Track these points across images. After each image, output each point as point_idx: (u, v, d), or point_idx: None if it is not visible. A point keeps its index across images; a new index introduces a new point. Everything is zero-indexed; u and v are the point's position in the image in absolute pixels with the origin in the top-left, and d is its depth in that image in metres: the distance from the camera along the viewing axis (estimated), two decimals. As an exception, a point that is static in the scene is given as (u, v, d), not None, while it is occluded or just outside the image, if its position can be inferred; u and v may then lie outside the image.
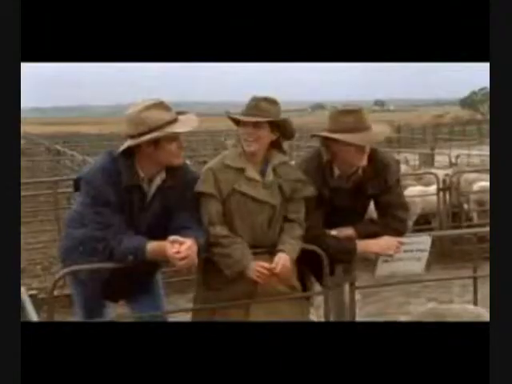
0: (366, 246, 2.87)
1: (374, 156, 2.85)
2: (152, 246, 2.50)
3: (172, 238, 2.49)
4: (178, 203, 2.64)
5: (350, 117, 2.75)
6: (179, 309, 3.07)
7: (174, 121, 2.55)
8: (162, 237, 2.54)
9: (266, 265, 2.61)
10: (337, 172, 2.85)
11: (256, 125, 2.65)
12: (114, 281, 2.64)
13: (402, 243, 2.92)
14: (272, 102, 2.69)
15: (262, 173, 2.72)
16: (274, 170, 2.72)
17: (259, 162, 2.73)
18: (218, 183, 2.67)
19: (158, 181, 2.62)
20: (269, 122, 2.65)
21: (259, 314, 2.69)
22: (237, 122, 2.73)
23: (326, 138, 2.81)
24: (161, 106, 2.56)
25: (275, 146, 2.76)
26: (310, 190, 2.74)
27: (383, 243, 2.89)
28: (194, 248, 2.50)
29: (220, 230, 2.65)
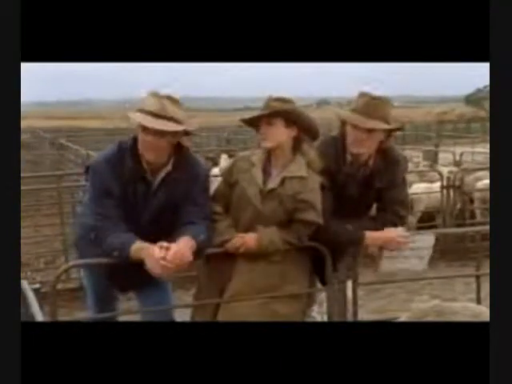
0: (374, 237, 2.87)
1: (386, 151, 2.85)
2: (137, 246, 2.49)
3: (160, 243, 2.49)
4: (184, 196, 2.64)
5: (363, 99, 2.78)
6: (185, 303, 3.06)
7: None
8: (166, 229, 2.56)
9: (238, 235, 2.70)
10: (349, 158, 2.85)
11: (268, 122, 2.67)
12: (123, 271, 2.64)
13: (405, 238, 2.90)
14: (284, 100, 2.70)
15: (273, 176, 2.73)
16: (284, 180, 2.70)
17: (280, 165, 2.74)
18: (232, 168, 2.80)
19: (163, 172, 2.63)
20: (283, 118, 2.66)
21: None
22: (255, 125, 2.76)
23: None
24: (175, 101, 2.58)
25: (297, 146, 2.74)
26: (312, 215, 2.70)
27: (388, 236, 2.88)
28: (184, 250, 2.49)
29: (215, 206, 2.77)
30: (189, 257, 2.50)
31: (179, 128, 2.53)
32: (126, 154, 2.57)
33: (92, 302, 2.94)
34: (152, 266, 2.45)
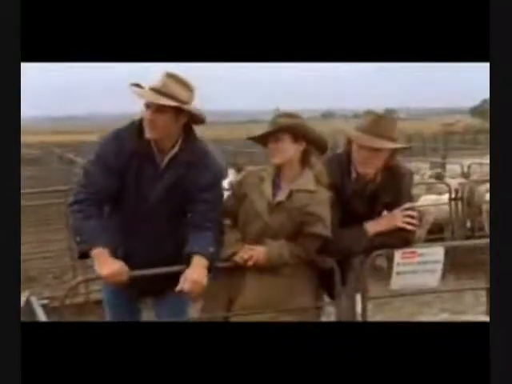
0: (375, 225, 2.85)
1: (392, 166, 2.85)
2: (97, 252, 2.51)
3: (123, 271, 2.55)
4: (194, 186, 2.66)
5: (368, 118, 2.78)
6: (196, 317, 3.03)
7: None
8: (174, 214, 2.66)
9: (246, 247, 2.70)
10: (354, 175, 2.85)
11: (275, 138, 2.69)
12: (139, 279, 2.64)
13: (411, 214, 2.85)
14: (290, 115, 2.73)
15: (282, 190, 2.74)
16: (291, 193, 2.71)
17: (288, 178, 2.75)
18: (242, 182, 2.81)
19: (171, 153, 2.66)
20: (290, 133, 2.68)
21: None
22: (263, 142, 2.78)
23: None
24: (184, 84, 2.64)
25: (305, 160, 2.75)
26: (319, 228, 2.69)
27: (391, 217, 2.86)
28: (199, 277, 2.58)
29: (224, 219, 2.78)
30: (204, 280, 2.59)
31: (173, 104, 2.55)
32: (135, 131, 2.63)
33: (109, 314, 2.93)
34: (99, 270, 2.51)
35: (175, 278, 2.79)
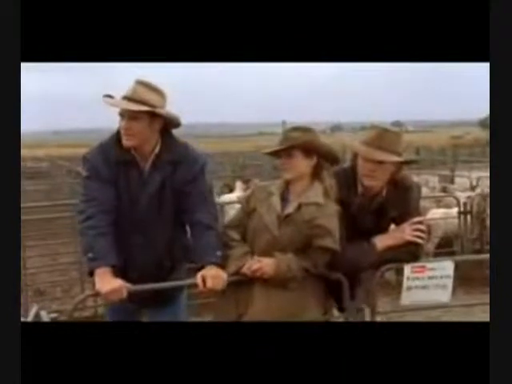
0: (384, 239, 2.85)
1: (398, 180, 2.85)
2: (102, 272, 2.52)
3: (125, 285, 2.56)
4: (184, 181, 2.70)
5: (374, 131, 2.79)
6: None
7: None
8: (164, 214, 2.70)
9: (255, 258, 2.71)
10: (360, 189, 2.85)
11: (287, 154, 2.71)
12: (140, 292, 2.67)
13: (419, 228, 2.84)
14: (302, 129, 2.73)
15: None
16: (300, 206, 2.72)
17: (298, 191, 2.76)
18: (251, 197, 2.83)
19: (152, 157, 2.71)
20: (300, 149, 2.69)
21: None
22: (276, 155, 2.81)
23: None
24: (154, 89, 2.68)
25: (316, 173, 2.76)
26: (328, 241, 2.68)
27: (399, 231, 2.86)
28: (220, 274, 2.62)
29: (233, 233, 2.80)
30: (224, 275, 2.64)
31: (144, 108, 2.59)
32: (116, 141, 2.68)
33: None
34: (99, 288, 2.50)
35: (172, 289, 2.82)
